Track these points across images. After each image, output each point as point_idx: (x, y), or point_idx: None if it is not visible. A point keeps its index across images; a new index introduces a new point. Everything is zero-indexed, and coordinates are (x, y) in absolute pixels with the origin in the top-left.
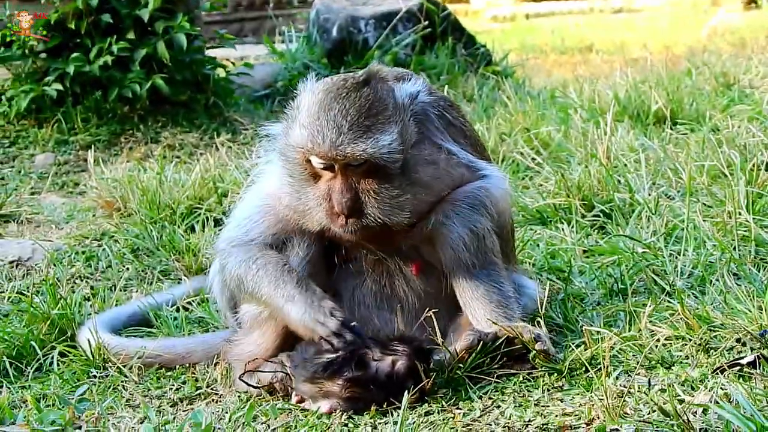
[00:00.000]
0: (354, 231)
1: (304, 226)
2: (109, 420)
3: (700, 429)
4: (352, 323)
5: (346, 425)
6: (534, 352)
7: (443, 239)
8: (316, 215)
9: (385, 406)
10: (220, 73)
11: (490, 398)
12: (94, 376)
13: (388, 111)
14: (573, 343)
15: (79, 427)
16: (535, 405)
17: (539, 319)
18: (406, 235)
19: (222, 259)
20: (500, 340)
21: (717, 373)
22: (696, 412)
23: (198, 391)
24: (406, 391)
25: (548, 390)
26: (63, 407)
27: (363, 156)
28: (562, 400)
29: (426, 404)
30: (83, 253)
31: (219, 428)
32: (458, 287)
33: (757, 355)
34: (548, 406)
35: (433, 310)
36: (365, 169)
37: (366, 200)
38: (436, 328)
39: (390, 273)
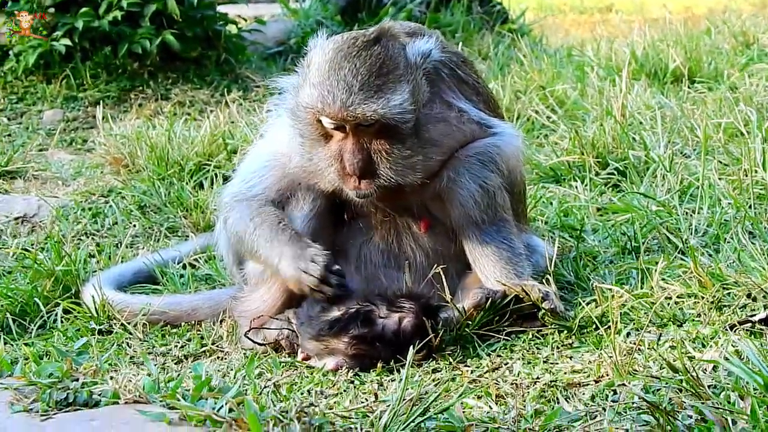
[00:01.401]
0: (367, 194)
1: (314, 185)
2: (108, 373)
3: (709, 385)
4: (335, 267)
5: (352, 382)
6: (543, 310)
7: (453, 195)
8: (328, 176)
9: (392, 363)
10: (232, 29)
11: (498, 356)
12: (99, 332)
13: (399, 70)
14: (584, 301)
15: (77, 380)
16: (544, 362)
17: (549, 276)
18: (417, 194)
19: (224, 213)
20: (508, 299)
21: (728, 330)
22: (705, 369)
23: (203, 348)
24: (412, 347)
25: (557, 347)
26: (61, 360)
27: (374, 116)
28: (571, 358)
29: (434, 361)
30: (90, 209)
31: (221, 382)
32: (467, 244)
33: None
34: (557, 363)
35: (441, 267)
36: (377, 129)
37: (378, 161)
38: (445, 285)
39: (398, 230)
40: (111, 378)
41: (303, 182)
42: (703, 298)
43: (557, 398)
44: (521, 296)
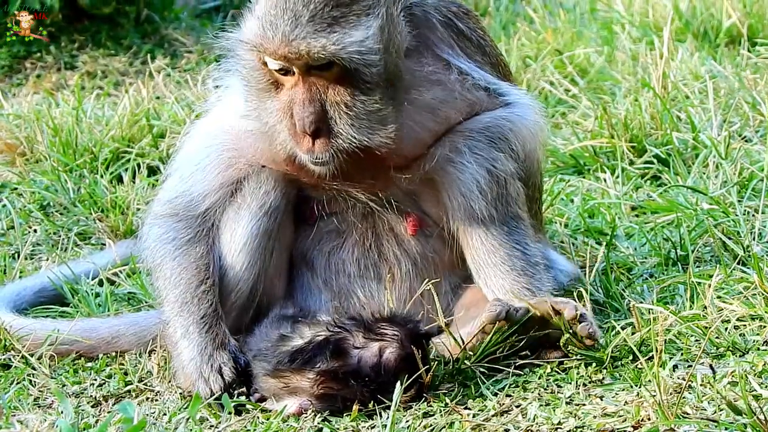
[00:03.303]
0: (324, 159)
1: (268, 160)
2: (13, 415)
3: None
4: (240, 389)
5: (320, 430)
6: (567, 335)
7: (451, 181)
8: (279, 136)
9: (371, 405)
10: None
11: (508, 395)
12: None
13: (366, 0)
14: (617, 326)
15: None
16: (567, 403)
17: (583, 292)
18: (403, 172)
19: (148, 221)
20: (529, 315)
21: None
22: None
23: (128, 387)
24: (398, 386)
25: (584, 384)
26: None
27: (323, 54)
28: (601, 398)
29: (425, 403)
30: None
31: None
32: (469, 248)
33: None
34: (584, 404)
35: (434, 281)
36: (335, 75)
37: (335, 115)
38: (437, 303)
39: (377, 232)
40: (20, 422)
41: (254, 168)
42: None
43: None
44: (547, 317)
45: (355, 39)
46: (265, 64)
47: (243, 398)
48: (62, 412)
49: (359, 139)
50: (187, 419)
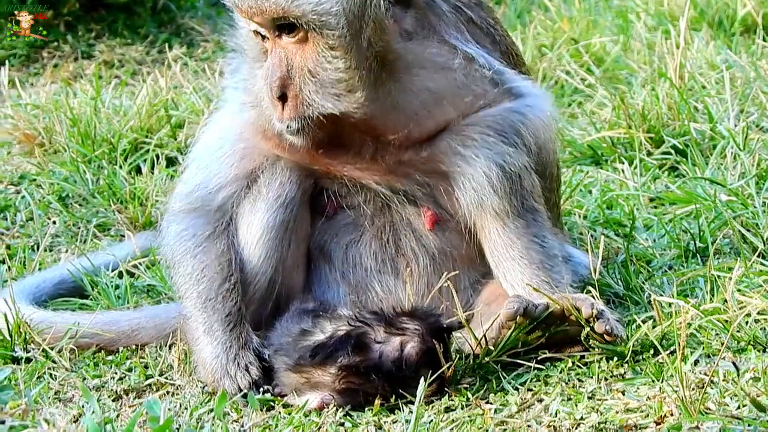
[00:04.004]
0: (294, 127)
1: (280, 160)
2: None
3: None
4: (266, 387)
5: (342, 425)
6: (587, 330)
7: (462, 175)
8: (266, 108)
9: (392, 399)
10: None
11: (529, 390)
12: (13, 360)
13: None
14: (638, 319)
15: (2, 422)
16: (589, 398)
17: (591, 288)
18: (403, 151)
19: (167, 217)
20: (548, 311)
21: None
22: None
23: (148, 381)
24: (422, 381)
25: (605, 379)
26: None
27: (277, 8)
28: (623, 392)
29: (446, 397)
30: None
31: (184, 426)
32: (487, 241)
33: None
34: (606, 399)
35: (452, 274)
36: (300, 39)
37: (300, 81)
38: (456, 298)
39: (394, 226)
40: (46, 421)
41: (269, 158)
42: None
43: None
44: (567, 312)
45: (310, 1)
46: (255, 32)
47: (268, 395)
48: (85, 407)
49: (323, 105)
50: (213, 416)
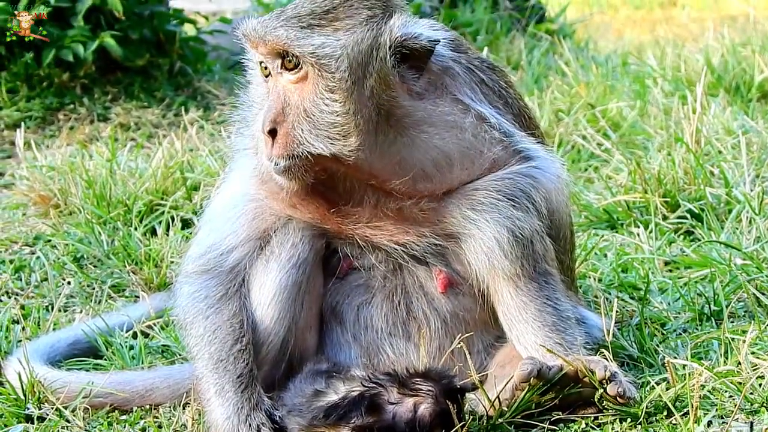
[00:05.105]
0: (282, 166)
1: (292, 221)
2: None
3: None
4: None
5: None
6: (601, 391)
7: (471, 240)
8: (261, 150)
9: None
10: (189, 30)
11: None
12: (27, 419)
13: (350, 21)
14: (652, 381)
15: None
16: None
17: (605, 350)
18: (404, 198)
19: (180, 279)
20: (562, 373)
21: None
22: None
23: None
24: None
25: None
26: None
27: (278, 43)
28: None
29: None
30: (11, 262)
31: None
32: (500, 304)
33: None
34: None
35: (465, 336)
36: (301, 78)
37: (294, 119)
38: (469, 360)
39: (406, 288)
40: None
41: (281, 219)
42: None
43: None
44: (581, 374)
45: (314, 42)
46: (260, 63)
47: None
48: None
49: (314, 145)
50: None
